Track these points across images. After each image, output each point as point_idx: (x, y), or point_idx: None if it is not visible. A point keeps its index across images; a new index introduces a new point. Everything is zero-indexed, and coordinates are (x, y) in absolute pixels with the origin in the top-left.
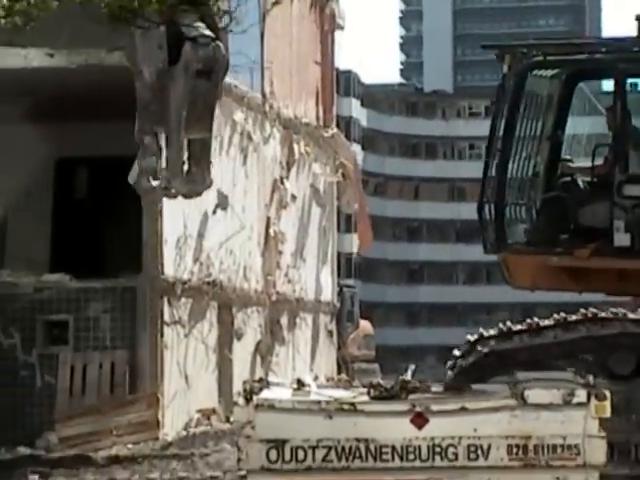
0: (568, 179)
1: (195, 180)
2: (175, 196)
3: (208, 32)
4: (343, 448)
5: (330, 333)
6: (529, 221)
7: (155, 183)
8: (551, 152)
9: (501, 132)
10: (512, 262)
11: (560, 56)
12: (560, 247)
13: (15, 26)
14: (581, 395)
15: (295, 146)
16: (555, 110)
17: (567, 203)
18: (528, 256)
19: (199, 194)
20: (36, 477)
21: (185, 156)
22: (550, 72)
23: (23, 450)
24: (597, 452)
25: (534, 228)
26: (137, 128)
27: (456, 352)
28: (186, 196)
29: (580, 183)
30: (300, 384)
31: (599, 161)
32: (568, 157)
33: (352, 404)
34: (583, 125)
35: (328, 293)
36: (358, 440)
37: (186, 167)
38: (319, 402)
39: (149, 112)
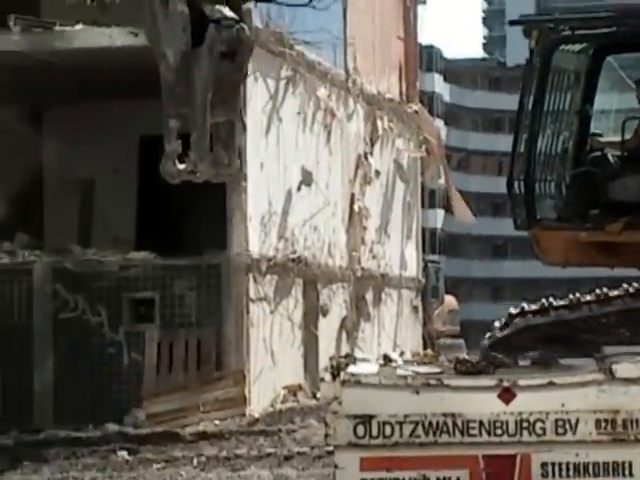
0: (598, 154)
1: (222, 163)
2: (201, 180)
3: (231, 14)
4: (430, 423)
5: (415, 309)
6: (559, 197)
7: (181, 166)
8: (580, 127)
9: (529, 108)
10: (543, 238)
11: (587, 30)
12: (591, 222)
13: (100, 5)
14: None
15: (379, 122)
16: (583, 85)
17: (597, 178)
18: (559, 232)
19: (226, 177)
20: (124, 453)
21: (209, 139)
22: (578, 46)
23: (111, 427)
24: None
25: (564, 204)
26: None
27: (496, 324)
28: (212, 180)
29: (610, 157)
30: (386, 360)
31: (629, 135)
32: (598, 132)
33: (439, 379)
34: (612, 100)
35: (413, 269)
36: (445, 415)
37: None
38: (406, 378)
39: (173, 95)
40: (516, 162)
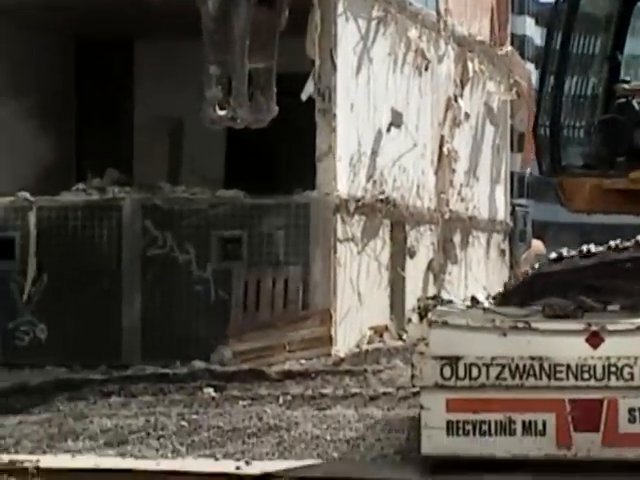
0: (623, 100)
1: (260, 109)
2: (241, 125)
3: None
4: (517, 366)
5: (502, 252)
6: (585, 143)
7: (222, 113)
8: (609, 73)
9: (556, 53)
10: (568, 185)
11: None
12: (616, 170)
13: None
14: None
15: (469, 64)
16: (614, 30)
17: (623, 125)
18: (584, 179)
19: (264, 123)
20: (211, 390)
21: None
22: None
23: (198, 364)
24: None
25: (590, 150)
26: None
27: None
28: (251, 125)
29: (636, 105)
30: (474, 302)
31: None
32: (626, 78)
33: (526, 322)
34: None
35: (501, 212)
36: (532, 358)
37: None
38: (493, 320)
39: (214, 42)
40: (542, 107)
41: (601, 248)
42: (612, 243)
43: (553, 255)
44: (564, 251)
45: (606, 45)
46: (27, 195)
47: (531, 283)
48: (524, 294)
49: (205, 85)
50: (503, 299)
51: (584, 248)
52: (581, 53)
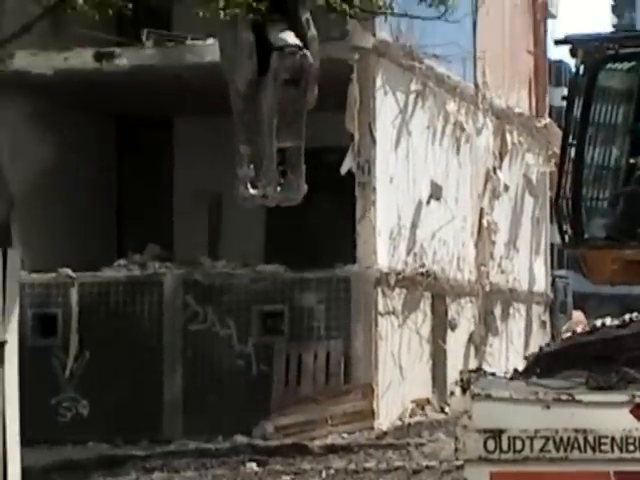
0: None
1: (291, 188)
2: (272, 204)
3: (296, 41)
4: (561, 439)
5: (543, 324)
6: (606, 216)
7: (253, 191)
8: (630, 145)
9: (576, 125)
10: (590, 257)
11: (635, 48)
12: (638, 241)
13: (233, 18)
14: None
15: (508, 136)
16: (634, 102)
17: None
18: (606, 251)
19: (295, 201)
20: (253, 465)
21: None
22: (627, 65)
23: (240, 438)
24: None
25: (611, 223)
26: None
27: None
28: (282, 203)
29: None
30: (516, 374)
31: None
32: None
33: (570, 394)
34: None
35: (541, 283)
36: (576, 431)
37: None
38: (536, 392)
39: (243, 121)
40: (563, 180)
41: None
42: None
43: (593, 324)
44: (604, 320)
45: (627, 117)
46: (69, 271)
47: (567, 352)
48: (561, 363)
49: (237, 164)
50: (536, 367)
51: (624, 317)
52: (602, 124)
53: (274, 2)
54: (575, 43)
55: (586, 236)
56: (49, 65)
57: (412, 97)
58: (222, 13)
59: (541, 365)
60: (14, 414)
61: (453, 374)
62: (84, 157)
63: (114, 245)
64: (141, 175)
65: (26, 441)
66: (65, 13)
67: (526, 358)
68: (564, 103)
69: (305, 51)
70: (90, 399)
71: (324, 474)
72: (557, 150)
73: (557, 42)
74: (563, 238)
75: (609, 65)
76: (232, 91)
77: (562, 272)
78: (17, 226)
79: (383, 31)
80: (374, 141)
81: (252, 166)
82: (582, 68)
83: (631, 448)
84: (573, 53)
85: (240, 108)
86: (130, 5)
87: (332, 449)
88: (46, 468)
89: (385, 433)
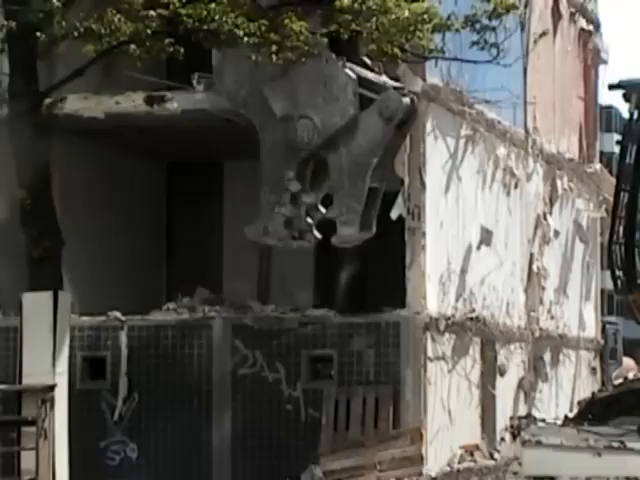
0: None
1: (366, 227)
2: (308, 245)
3: (395, 83)
4: None
5: (593, 370)
6: None
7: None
8: None
9: (629, 171)
10: None
11: None
12: None
13: (285, 61)
14: None
15: (558, 182)
16: None
17: None
18: None
19: (363, 241)
20: None
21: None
22: None
23: None
24: None
25: None
26: None
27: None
28: (350, 242)
29: None
30: (567, 421)
31: None
32: None
33: (621, 442)
34: None
35: (591, 330)
36: (628, 479)
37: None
38: (587, 439)
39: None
40: (616, 226)
41: None
42: None
43: None
44: None
45: None
46: (118, 314)
47: (618, 399)
48: (613, 410)
49: (278, 203)
50: (588, 414)
51: None
52: None
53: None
54: (629, 88)
55: (639, 282)
56: (100, 109)
57: (462, 142)
58: (274, 57)
59: (593, 412)
60: (63, 457)
61: (502, 420)
62: (134, 200)
63: (164, 289)
64: (191, 219)
65: None
66: (117, 57)
67: (578, 404)
68: (617, 148)
69: (412, 95)
70: (139, 442)
71: None
72: (607, 196)
73: (611, 87)
74: (615, 283)
75: None
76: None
77: (612, 318)
78: (68, 268)
79: (434, 75)
80: (424, 186)
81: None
82: (636, 113)
83: None
84: (627, 98)
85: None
86: (182, 49)
87: None
88: None
89: (434, 479)
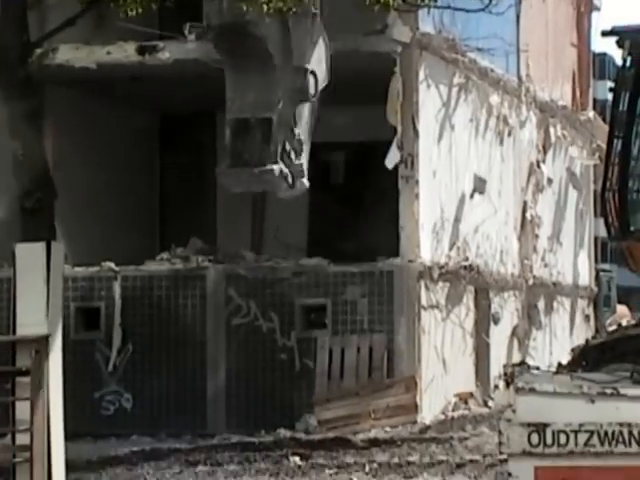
0: None
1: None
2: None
3: None
4: (606, 433)
5: (587, 317)
6: None
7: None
8: None
9: (622, 117)
10: (636, 249)
11: None
12: None
13: (276, 12)
14: None
15: (551, 129)
16: None
17: None
18: None
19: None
20: (297, 459)
21: None
22: None
23: (283, 432)
24: None
25: None
26: None
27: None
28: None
29: None
30: (560, 368)
31: None
32: None
33: (615, 388)
34: None
35: (585, 277)
36: (621, 425)
37: None
38: (581, 386)
39: None
40: (609, 173)
41: None
42: None
43: (638, 317)
44: None
45: None
46: (112, 265)
47: (612, 346)
48: (606, 356)
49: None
50: (581, 361)
51: None
52: None
53: None
54: (622, 34)
55: (632, 229)
56: (92, 59)
57: (455, 90)
58: (265, 7)
59: (586, 359)
60: (58, 408)
61: (496, 368)
62: (127, 151)
63: (157, 239)
64: (184, 169)
65: (70, 435)
66: (108, 7)
67: (572, 351)
68: (610, 95)
69: None
70: (133, 392)
71: (367, 468)
72: (601, 143)
73: (604, 33)
74: (609, 231)
75: None
76: None
77: (606, 266)
78: (61, 219)
79: (426, 24)
80: (417, 134)
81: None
82: (629, 60)
83: None
84: (620, 44)
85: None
86: None
87: (375, 443)
88: (90, 461)
89: (428, 427)
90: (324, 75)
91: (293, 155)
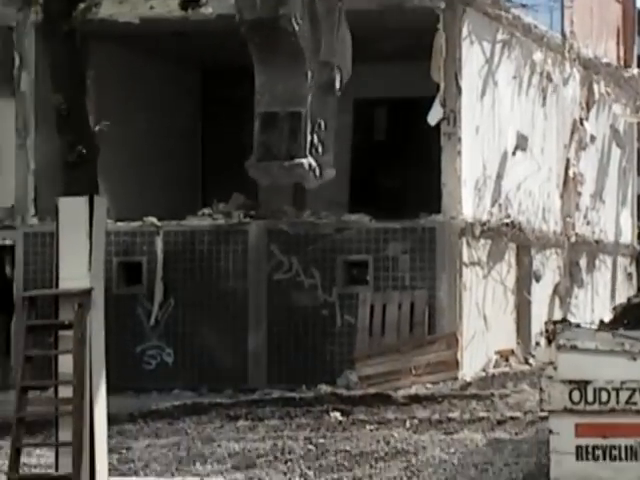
0: None
1: None
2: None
3: None
4: None
5: (629, 275)
6: None
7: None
8: None
9: None
10: None
11: None
12: None
13: None
14: None
15: (595, 86)
16: None
17: None
18: None
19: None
20: (337, 414)
21: None
22: None
23: (324, 388)
24: None
25: None
26: None
27: None
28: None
29: None
30: (602, 325)
31: None
32: None
33: None
34: None
35: (627, 235)
36: None
37: None
38: (623, 344)
39: None
40: None
41: None
42: None
43: None
44: None
45: None
46: (154, 220)
47: None
48: None
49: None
50: (623, 319)
51: None
52: None
53: None
54: None
55: None
56: (135, 14)
57: (498, 47)
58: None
59: (628, 317)
60: (100, 361)
61: (537, 325)
62: (170, 107)
63: (199, 194)
64: (227, 125)
65: (112, 388)
66: None
67: (613, 309)
68: None
69: None
70: (175, 347)
71: (408, 424)
72: None
73: None
74: None
75: None
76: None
77: None
78: (103, 174)
79: None
80: (460, 91)
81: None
82: None
83: None
84: None
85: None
86: None
87: (416, 399)
88: (132, 415)
89: (469, 384)
90: (348, 69)
91: (320, 148)
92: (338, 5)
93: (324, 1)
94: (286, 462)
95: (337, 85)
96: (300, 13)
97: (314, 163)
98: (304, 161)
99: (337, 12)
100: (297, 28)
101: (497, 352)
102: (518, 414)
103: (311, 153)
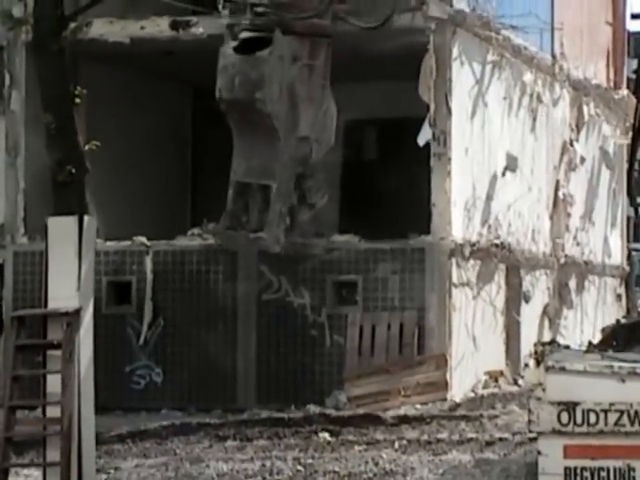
0: None
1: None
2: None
3: None
4: (636, 412)
5: (618, 297)
6: None
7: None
8: None
9: None
10: None
11: None
12: None
13: None
14: None
15: (585, 108)
16: None
17: None
18: None
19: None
20: (326, 435)
21: None
22: None
23: (313, 408)
24: None
25: None
26: None
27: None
28: None
29: None
30: (591, 347)
31: None
32: None
33: None
34: None
35: (617, 256)
36: None
37: None
38: (611, 365)
39: None
40: (638, 152)
41: None
42: None
43: None
44: None
45: None
46: (144, 239)
47: None
48: (637, 336)
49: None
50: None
51: None
52: None
53: None
54: None
55: None
56: (125, 34)
57: (489, 68)
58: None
59: (617, 338)
60: (89, 381)
61: (527, 346)
62: (160, 126)
63: (189, 214)
64: (216, 144)
65: (100, 408)
66: None
67: (602, 331)
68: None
69: None
70: (164, 367)
71: (396, 445)
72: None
73: (634, 16)
74: (636, 210)
75: None
76: None
77: (638, 245)
78: (93, 193)
79: (460, 1)
80: (450, 112)
81: None
82: None
83: None
84: None
85: None
86: None
87: (405, 420)
88: (120, 435)
89: (458, 404)
90: (329, 141)
91: (288, 218)
92: (322, 83)
93: (305, 85)
94: None
95: (314, 157)
96: (277, 96)
97: (279, 234)
98: (265, 235)
99: (322, 90)
100: (272, 109)
101: (486, 373)
102: (507, 435)
103: (278, 225)
